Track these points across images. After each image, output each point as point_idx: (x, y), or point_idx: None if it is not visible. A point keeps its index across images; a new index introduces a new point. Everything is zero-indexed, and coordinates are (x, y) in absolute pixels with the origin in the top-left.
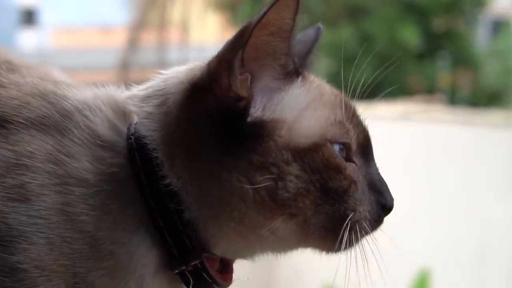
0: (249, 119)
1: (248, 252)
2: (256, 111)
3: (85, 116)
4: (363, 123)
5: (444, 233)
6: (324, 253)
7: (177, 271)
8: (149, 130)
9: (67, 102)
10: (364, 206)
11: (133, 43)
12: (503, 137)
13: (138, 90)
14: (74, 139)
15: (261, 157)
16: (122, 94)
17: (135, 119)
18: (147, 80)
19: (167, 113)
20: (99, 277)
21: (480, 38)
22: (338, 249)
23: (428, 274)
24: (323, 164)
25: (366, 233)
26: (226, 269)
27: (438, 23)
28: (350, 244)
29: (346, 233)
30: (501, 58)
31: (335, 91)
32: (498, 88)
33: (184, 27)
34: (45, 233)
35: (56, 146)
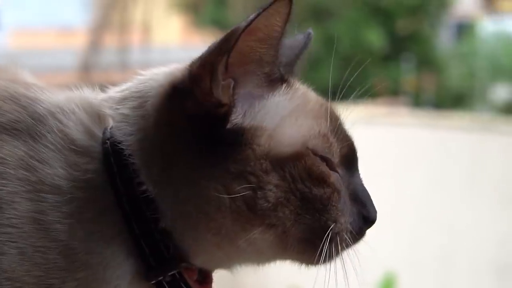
0: (228, 126)
1: (226, 263)
2: (236, 118)
3: (58, 120)
4: (348, 135)
5: (409, 236)
6: (303, 265)
7: (154, 282)
8: (125, 135)
9: (40, 105)
10: (345, 217)
11: (94, 45)
12: (467, 140)
13: (114, 92)
14: (47, 144)
15: (239, 165)
16: (97, 96)
17: (111, 122)
18: (121, 81)
19: (144, 116)
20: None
21: (444, 40)
22: (317, 262)
23: (393, 277)
24: (306, 172)
25: (347, 245)
26: (205, 280)
27: (403, 26)
28: (330, 256)
29: (326, 245)
30: (465, 61)
31: (321, 100)
32: (462, 90)
33: (146, 29)
34: (16, 242)
35: (29, 151)
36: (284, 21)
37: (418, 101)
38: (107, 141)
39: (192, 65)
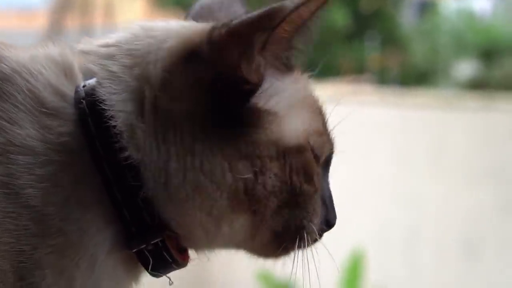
0: (248, 105)
1: (199, 245)
2: (256, 98)
3: (26, 80)
4: (332, 134)
5: (376, 213)
6: (260, 258)
7: (135, 250)
8: (108, 93)
9: (4, 63)
10: (317, 218)
11: (55, 26)
12: (431, 117)
13: (97, 46)
14: (17, 104)
15: (250, 147)
16: (64, 51)
17: (81, 80)
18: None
19: (141, 77)
20: (46, 255)
21: (407, 19)
22: (276, 256)
23: (361, 254)
24: (302, 167)
25: (308, 245)
26: (183, 248)
27: (366, 4)
28: (289, 252)
29: (296, 242)
30: (428, 38)
31: (315, 94)
32: (426, 68)
33: (109, 10)
34: None
35: None
36: (318, 8)
37: (383, 79)
38: (82, 100)
39: (215, 32)
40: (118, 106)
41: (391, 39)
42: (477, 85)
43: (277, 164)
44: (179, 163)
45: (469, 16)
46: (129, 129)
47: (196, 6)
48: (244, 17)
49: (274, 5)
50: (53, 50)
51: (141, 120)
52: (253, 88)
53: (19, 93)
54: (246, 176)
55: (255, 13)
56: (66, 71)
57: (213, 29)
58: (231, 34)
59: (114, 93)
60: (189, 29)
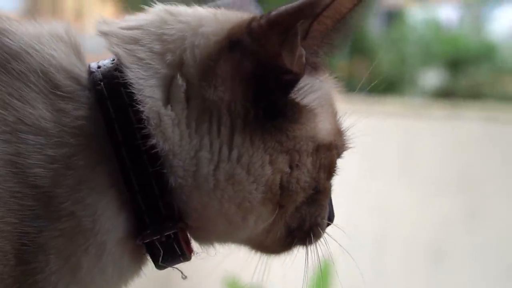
0: (290, 96)
1: (216, 238)
2: (296, 91)
3: (38, 62)
4: (347, 135)
5: (345, 221)
6: (264, 253)
7: (147, 241)
8: (136, 77)
9: (10, 39)
10: (326, 216)
11: None
12: (399, 125)
13: (119, 29)
14: (29, 84)
15: (291, 141)
16: (71, 31)
17: (86, 62)
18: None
19: (174, 63)
20: (52, 238)
21: (375, 28)
22: (283, 252)
23: (329, 261)
24: (329, 165)
25: (315, 242)
26: (188, 241)
27: None
28: (295, 248)
29: (307, 239)
30: (396, 47)
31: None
32: (393, 76)
33: (79, 16)
34: None
35: (5, 88)
36: (357, 4)
37: (351, 87)
38: (99, 82)
39: (254, 23)
40: (146, 92)
41: (359, 48)
42: (444, 94)
43: (311, 159)
44: (212, 153)
45: (436, 26)
46: (156, 116)
47: (213, 6)
48: (284, 7)
49: None
50: (58, 27)
51: (170, 108)
52: (294, 78)
53: (31, 73)
54: (284, 169)
55: (296, 3)
56: (75, 50)
57: (252, 19)
58: (272, 24)
59: (142, 78)
60: (226, 17)
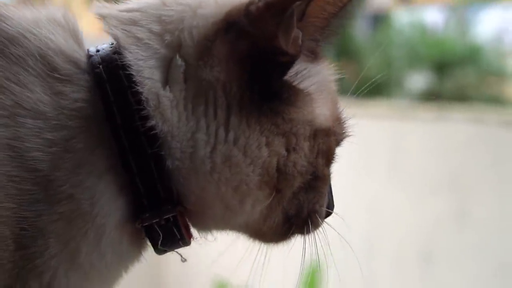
0: (285, 77)
1: (213, 224)
2: (289, 73)
3: (36, 45)
4: (347, 123)
5: (333, 225)
6: (262, 241)
7: (147, 224)
8: (135, 59)
9: (6, 24)
10: (325, 204)
11: None
12: (387, 127)
13: (117, 11)
14: (27, 68)
15: (287, 124)
16: (67, 15)
17: (85, 45)
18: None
19: (173, 44)
20: (51, 222)
21: (362, 31)
22: (281, 240)
23: (319, 267)
24: (327, 150)
25: (314, 231)
26: (187, 226)
27: None
28: (294, 236)
29: (305, 227)
30: (382, 50)
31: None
32: (380, 79)
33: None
34: None
35: (2, 72)
36: None
37: (338, 89)
38: (98, 65)
39: (252, 5)
40: (145, 73)
41: (346, 51)
42: (431, 96)
43: (308, 144)
44: (208, 135)
45: (422, 29)
46: (155, 97)
47: None
48: None
49: None
50: (55, 12)
51: (169, 89)
52: (290, 60)
53: (29, 57)
54: (281, 152)
55: None
56: (73, 35)
57: (250, 2)
58: (269, 5)
59: (141, 59)
60: (225, 0)
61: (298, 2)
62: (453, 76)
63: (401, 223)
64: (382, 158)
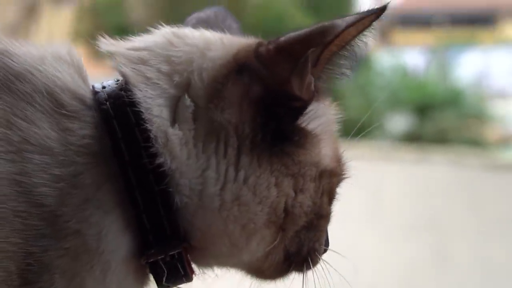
0: (297, 122)
1: (216, 261)
2: (303, 117)
3: (43, 82)
4: (345, 162)
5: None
6: (260, 279)
7: (151, 260)
8: (144, 97)
9: (12, 60)
10: (323, 242)
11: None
12: (367, 168)
13: (125, 49)
14: (34, 104)
15: (296, 165)
16: (72, 51)
17: (89, 82)
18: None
19: (182, 85)
20: (57, 258)
21: None
22: (278, 278)
23: None
24: (330, 191)
25: (313, 267)
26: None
27: None
28: (292, 273)
29: (304, 264)
30: (364, 92)
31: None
32: (362, 120)
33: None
34: None
35: (10, 108)
36: (360, 32)
37: None
38: (105, 102)
39: (261, 48)
40: (154, 111)
41: (329, 92)
42: (411, 138)
43: (314, 185)
44: (218, 173)
45: (403, 71)
46: (163, 135)
47: (192, 19)
48: (294, 34)
49: (326, 23)
50: (60, 49)
51: (178, 127)
52: (303, 105)
53: (36, 94)
54: (289, 193)
55: (306, 30)
56: (78, 71)
57: (259, 44)
58: (281, 50)
59: (150, 97)
60: (231, 42)
61: (312, 49)
62: (434, 118)
63: (379, 264)
64: (361, 199)
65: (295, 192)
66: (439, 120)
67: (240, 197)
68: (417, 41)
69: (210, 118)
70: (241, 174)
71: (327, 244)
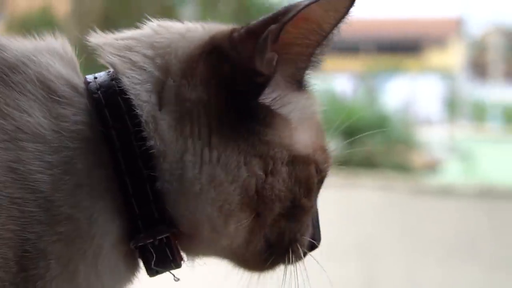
0: (261, 99)
1: (200, 246)
2: (267, 97)
3: (36, 71)
4: (331, 154)
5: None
6: (247, 269)
7: (141, 244)
8: (132, 83)
9: (6, 52)
10: (308, 234)
11: None
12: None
13: (113, 39)
14: (26, 93)
15: (264, 146)
16: (65, 45)
17: (80, 74)
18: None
19: (163, 67)
20: (51, 243)
21: None
22: (264, 270)
23: None
24: (306, 179)
25: (295, 261)
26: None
27: None
28: (276, 266)
29: (286, 256)
30: None
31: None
32: None
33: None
34: None
35: (3, 98)
36: (337, 20)
37: None
38: (96, 91)
39: (235, 32)
40: (143, 97)
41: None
42: (341, 163)
43: (286, 169)
44: (195, 156)
45: (331, 96)
46: (153, 120)
47: None
48: (263, 17)
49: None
50: (54, 43)
51: (164, 111)
52: (265, 80)
53: (28, 83)
54: (258, 173)
55: (271, 13)
56: (71, 64)
57: (234, 29)
58: (248, 32)
59: (138, 83)
60: (211, 27)
61: (273, 26)
62: (362, 143)
63: None
64: (329, 229)
65: (265, 174)
66: (367, 145)
67: (215, 178)
68: (345, 67)
69: (184, 97)
70: (214, 154)
71: (317, 239)
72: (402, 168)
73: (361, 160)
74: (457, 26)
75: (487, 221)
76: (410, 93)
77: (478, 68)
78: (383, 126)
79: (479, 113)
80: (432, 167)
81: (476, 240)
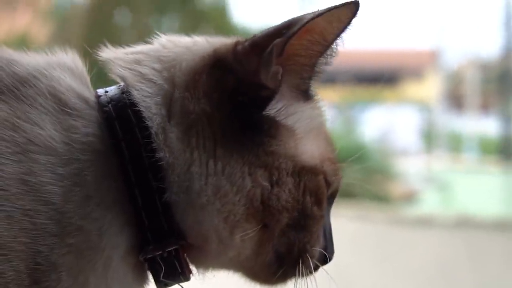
0: (266, 112)
1: (208, 258)
2: (274, 108)
3: (48, 85)
4: (340, 168)
5: None
6: (257, 282)
7: (150, 256)
8: (142, 96)
9: (18, 67)
10: (319, 246)
11: None
12: None
13: (123, 54)
14: (37, 106)
15: (268, 157)
16: (75, 59)
17: (91, 90)
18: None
19: (169, 79)
20: (62, 255)
21: None
22: (274, 281)
23: None
24: (315, 189)
25: (305, 274)
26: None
27: None
28: (287, 279)
29: (296, 267)
30: None
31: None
32: None
33: None
34: (3, 205)
35: (14, 112)
36: (341, 30)
37: None
38: (107, 104)
39: (239, 45)
40: (153, 109)
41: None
42: None
43: (292, 180)
44: (201, 167)
45: None
46: (162, 132)
47: None
48: (267, 29)
49: (297, 16)
50: (65, 57)
51: (173, 123)
52: (270, 94)
53: (39, 96)
54: (263, 184)
55: (274, 26)
56: (82, 78)
57: (238, 42)
58: (253, 45)
59: (148, 96)
60: (216, 40)
61: (278, 40)
62: (342, 173)
63: None
64: None
65: (271, 185)
66: (345, 175)
67: (220, 189)
68: (322, 97)
69: (189, 109)
70: (219, 165)
71: (330, 251)
72: (380, 198)
73: (342, 190)
74: (433, 58)
75: (464, 251)
76: (387, 124)
77: (454, 100)
78: (360, 157)
79: (455, 144)
80: (409, 198)
81: (454, 270)
